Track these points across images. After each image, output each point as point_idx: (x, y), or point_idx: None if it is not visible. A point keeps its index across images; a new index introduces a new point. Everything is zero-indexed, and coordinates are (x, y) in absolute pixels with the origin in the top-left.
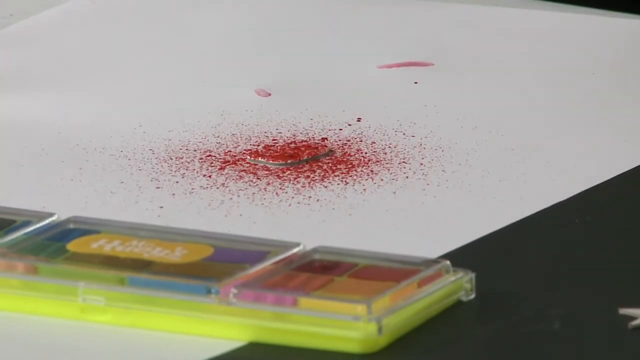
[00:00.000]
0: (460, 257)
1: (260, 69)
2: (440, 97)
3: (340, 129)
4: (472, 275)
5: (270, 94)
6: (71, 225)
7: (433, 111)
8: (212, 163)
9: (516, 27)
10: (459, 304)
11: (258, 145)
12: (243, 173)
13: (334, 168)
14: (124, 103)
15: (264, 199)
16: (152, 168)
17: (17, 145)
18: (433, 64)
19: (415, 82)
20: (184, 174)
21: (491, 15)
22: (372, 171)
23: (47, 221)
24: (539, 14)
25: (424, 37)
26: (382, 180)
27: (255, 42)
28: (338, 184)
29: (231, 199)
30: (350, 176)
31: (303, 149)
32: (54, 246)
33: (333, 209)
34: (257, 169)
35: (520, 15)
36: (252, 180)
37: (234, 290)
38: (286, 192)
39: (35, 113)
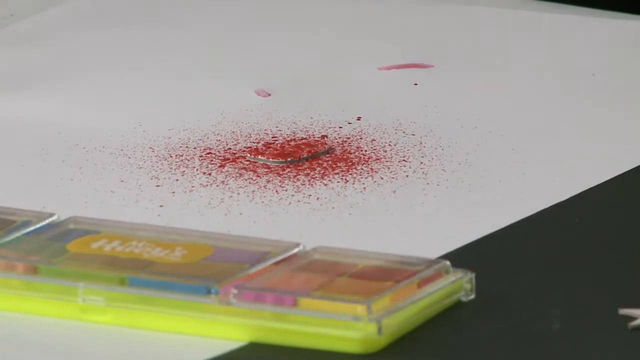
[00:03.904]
0: (460, 257)
1: (260, 68)
2: (440, 97)
3: (340, 127)
4: (472, 275)
5: (270, 95)
6: (71, 225)
7: (433, 111)
8: (212, 161)
9: (516, 27)
10: (459, 304)
11: (258, 143)
12: (243, 171)
13: (334, 166)
14: (124, 102)
15: (264, 197)
16: (152, 166)
17: (17, 145)
18: (433, 66)
19: (415, 84)
20: (184, 171)
21: (491, 16)
22: (372, 169)
23: (47, 221)
24: (539, 15)
25: (424, 38)
26: (382, 178)
27: (256, 42)
28: (338, 182)
29: (231, 196)
30: (350, 174)
31: (303, 146)
32: (54, 246)
33: (333, 207)
34: (257, 166)
35: (520, 16)
36: (252, 178)
37: (234, 290)
38: (286, 190)
39: (35, 113)
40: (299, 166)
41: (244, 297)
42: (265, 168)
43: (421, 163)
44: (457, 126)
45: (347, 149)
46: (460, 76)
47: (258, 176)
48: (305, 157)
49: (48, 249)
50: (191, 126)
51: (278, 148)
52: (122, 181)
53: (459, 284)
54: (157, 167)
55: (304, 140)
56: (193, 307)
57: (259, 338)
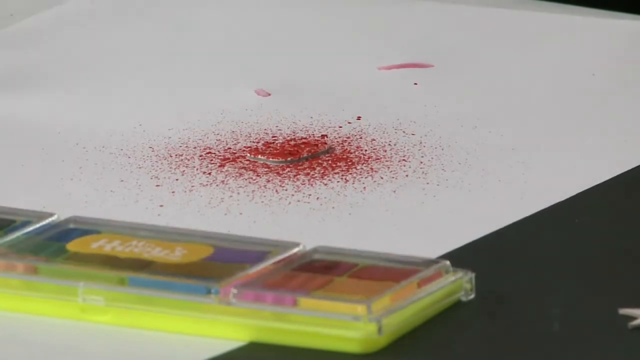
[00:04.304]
0: (460, 257)
1: (260, 69)
2: (440, 97)
3: (340, 127)
4: (472, 275)
5: (270, 94)
6: (71, 225)
7: (433, 111)
8: (212, 160)
9: (516, 28)
10: (459, 304)
11: (258, 143)
12: (243, 170)
13: (334, 165)
14: (124, 102)
15: (264, 196)
16: (152, 166)
17: (17, 145)
18: (433, 66)
19: (415, 84)
20: (184, 171)
21: (491, 16)
22: (372, 169)
23: (47, 221)
24: (539, 15)
25: (424, 38)
26: (382, 178)
27: (255, 42)
28: (338, 182)
29: (231, 196)
30: (350, 174)
31: (303, 146)
32: (54, 246)
33: (333, 207)
34: (257, 166)
35: (520, 16)
36: (252, 178)
37: (234, 290)
38: (286, 190)
39: (35, 113)
40: (299, 166)
41: (244, 297)
42: (265, 168)
43: (421, 163)
44: (457, 126)
45: (347, 149)
46: (460, 76)
47: (258, 176)
48: (305, 156)
49: (48, 249)
50: (191, 126)
51: (278, 148)
52: (122, 181)
53: (459, 284)
54: (157, 166)
55: (304, 140)
56: (193, 307)
57: (259, 338)
